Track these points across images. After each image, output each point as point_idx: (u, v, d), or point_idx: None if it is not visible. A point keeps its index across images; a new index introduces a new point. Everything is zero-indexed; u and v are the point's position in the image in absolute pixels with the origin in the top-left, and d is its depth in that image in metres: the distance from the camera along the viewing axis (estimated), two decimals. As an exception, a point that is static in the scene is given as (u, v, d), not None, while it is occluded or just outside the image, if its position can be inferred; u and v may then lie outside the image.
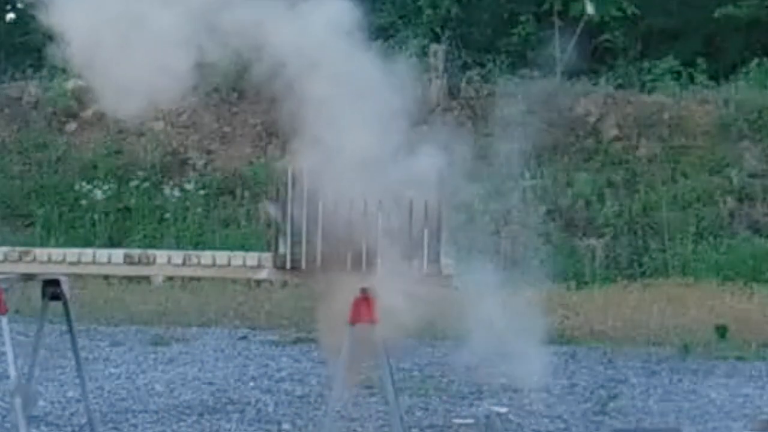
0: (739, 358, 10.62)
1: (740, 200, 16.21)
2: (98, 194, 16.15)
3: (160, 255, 6.39)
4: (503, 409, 8.54)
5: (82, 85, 18.35)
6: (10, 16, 24.10)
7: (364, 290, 6.14)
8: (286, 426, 7.94)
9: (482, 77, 18.15)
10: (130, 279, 12.00)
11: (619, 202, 16.08)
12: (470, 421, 8.20)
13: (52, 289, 6.59)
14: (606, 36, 20.31)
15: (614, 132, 17.33)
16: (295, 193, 6.11)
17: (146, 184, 16.58)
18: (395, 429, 6.46)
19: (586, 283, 14.37)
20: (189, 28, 5.90)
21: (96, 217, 15.92)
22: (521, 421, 8.22)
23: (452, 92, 17.76)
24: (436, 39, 19.11)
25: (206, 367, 9.93)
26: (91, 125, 17.77)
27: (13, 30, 23.21)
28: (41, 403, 8.38)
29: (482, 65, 18.61)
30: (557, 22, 19.72)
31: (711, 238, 15.43)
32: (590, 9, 18.32)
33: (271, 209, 6.19)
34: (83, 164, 16.98)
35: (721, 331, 11.32)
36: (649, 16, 20.15)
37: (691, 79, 18.31)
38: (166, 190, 16.47)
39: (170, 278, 12.16)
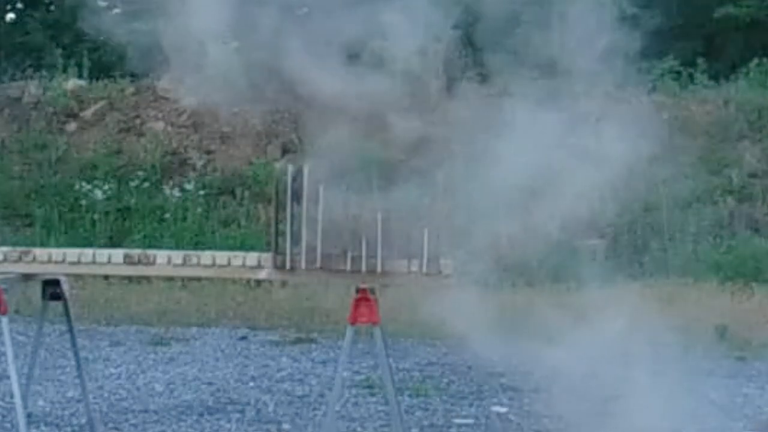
0: (739, 358, 10.62)
1: (740, 200, 16.20)
2: (98, 194, 16.14)
3: (160, 255, 6.39)
4: (503, 409, 8.54)
5: (82, 85, 18.40)
6: (10, 16, 24.11)
7: (364, 290, 6.14)
8: (286, 426, 7.94)
9: (483, 77, 18.13)
10: (130, 279, 12.00)
11: (620, 202, 16.06)
12: (470, 421, 8.20)
13: (52, 289, 6.59)
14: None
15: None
16: (295, 192, 6.12)
17: (146, 184, 16.57)
18: (395, 429, 6.46)
19: (586, 283, 14.34)
20: None
21: (96, 217, 15.91)
22: (521, 421, 8.22)
23: (452, 92, 17.74)
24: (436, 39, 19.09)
25: (206, 367, 9.93)
26: (91, 125, 17.77)
27: (13, 30, 23.23)
28: (41, 403, 8.38)
29: (482, 65, 18.60)
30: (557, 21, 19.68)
31: (711, 238, 15.41)
32: None
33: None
34: (83, 164, 16.97)
35: (721, 331, 11.31)
36: (649, 16, 20.15)
37: (691, 79, 18.31)
38: (166, 190, 16.47)
39: (170, 278, 12.17)
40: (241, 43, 6.44)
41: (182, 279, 12.51)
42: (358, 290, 6.14)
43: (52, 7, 24.12)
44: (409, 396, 8.78)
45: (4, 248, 6.44)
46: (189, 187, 16.45)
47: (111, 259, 6.40)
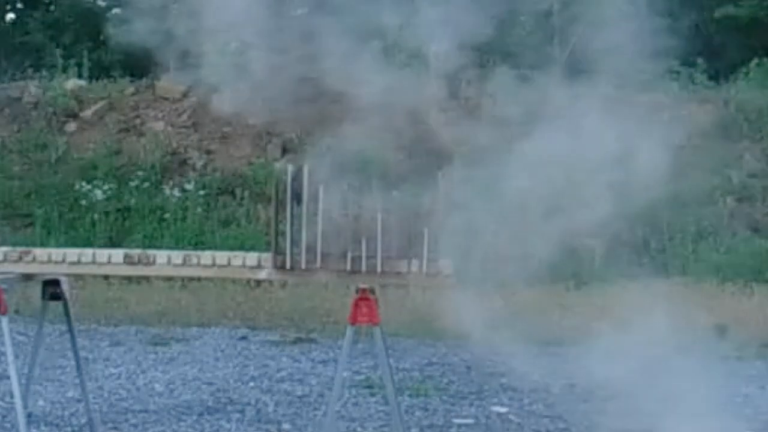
0: (739, 358, 10.62)
1: (740, 200, 16.20)
2: (98, 194, 16.15)
3: (160, 255, 6.39)
4: (503, 409, 8.55)
5: (82, 85, 18.40)
6: (10, 16, 24.11)
7: (364, 290, 6.15)
8: (286, 426, 7.94)
9: (482, 77, 18.13)
10: (130, 279, 12.01)
11: (619, 202, 16.04)
12: (470, 421, 8.20)
13: (52, 289, 6.59)
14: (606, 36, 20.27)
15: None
16: (295, 192, 6.12)
17: (146, 184, 16.57)
18: (395, 429, 6.46)
19: (585, 283, 14.36)
20: None
21: (96, 217, 15.92)
22: (521, 421, 8.23)
23: (452, 93, 17.74)
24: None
25: (206, 367, 9.93)
26: (91, 125, 17.77)
27: (13, 30, 23.23)
28: (41, 403, 8.38)
29: (482, 65, 18.58)
30: (557, 21, 19.70)
31: (711, 238, 15.41)
32: None
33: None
34: (83, 164, 16.97)
35: (721, 331, 11.31)
36: (649, 15, 20.13)
37: (691, 79, 18.30)
38: (166, 190, 16.48)
39: (170, 278, 12.17)
40: (273, 45, 6.46)
41: (182, 279, 12.51)
42: (358, 290, 6.15)
43: (52, 7, 24.11)
44: (409, 396, 8.78)
45: (4, 248, 6.44)
46: (189, 187, 16.46)
47: (111, 259, 6.40)
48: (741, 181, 16.37)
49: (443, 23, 6.69)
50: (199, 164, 17.13)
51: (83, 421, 7.65)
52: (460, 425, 8.07)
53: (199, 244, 14.82)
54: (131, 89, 18.33)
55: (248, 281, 12.32)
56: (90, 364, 9.62)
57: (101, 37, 22.50)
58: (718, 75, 18.39)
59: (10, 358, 6.30)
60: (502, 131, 6.59)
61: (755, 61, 18.33)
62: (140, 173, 16.71)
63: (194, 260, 6.33)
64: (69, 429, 7.78)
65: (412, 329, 11.25)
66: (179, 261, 6.34)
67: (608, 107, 6.62)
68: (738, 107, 17.28)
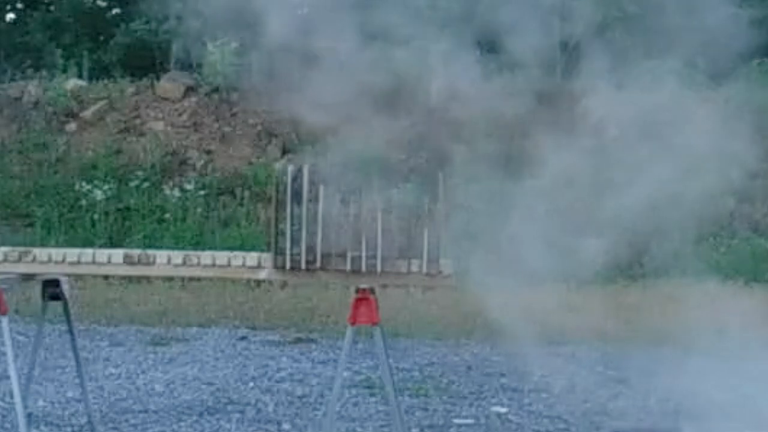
0: (737, 358, 10.61)
1: (740, 200, 16.19)
2: (98, 194, 16.14)
3: (160, 255, 6.40)
4: (503, 409, 8.55)
5: (82, 85, 18.40)
6: (10, 16, 24.11)
7: (364, 290, 6.15)
8: (286, 426, 7.94)
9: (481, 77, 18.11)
10: (130, 279, 12.00)
11: (620, 202, 16.04)
12: (470, 421, 8.20)
13: (52, 289, 6.60)
14: (606, 35, 20.28)
15: (614, 132, 17.29)
16: (295, 192, 6.12)
17: (146, 184, 16.57)
18: (395, 429, 6.46)
19: (586, 283, 14.35)
20: None
21: (96, 217, 15.92)
22: (521, 421, 8.23)
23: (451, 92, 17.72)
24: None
25: (206, 367, 9.93)
26: (91, 125, 17.77)
27: (13, 30, 23.23)
28: (41, 403, 8.39)
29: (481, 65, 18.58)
30: (557, 20, 19.69)
31: (711, 238, 15.41)
32: None
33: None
34: (83, 164, 16.97)
35: (721, 331, 11.30)
36: (650, 15, 20.14)
37: (691, 79, 18.27)
38: (166, 190, 16.48)
39: (170, 278, 12.17)
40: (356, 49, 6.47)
41: (182, 279, 12.51)
42: (358, 290, 6.15)
43: (52, 7, 24.12)
44: (409, 396, 8.78)
45: (4, 248, 6.44)
46: (189, 187, 16.46)
47: (111, 259, 6.40)
48: (741, 181, 16.36)
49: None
50: (199, 164, 17.13)
51: (83, 421, 7.66)
52: (460, 425, 8.07)
53: (199, 245, 14.81)
54: (131, 89, 18.34)
55: (248, 281, 12.32)
56: (90, 364, 9.62)
57: (101, 37, 22.53)
58: (718, 75, 18.37)
59: (10, 358, 6.30)
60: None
61: (755, 61, 18.32)
62: (140, 173, 16.72)
63: (194, 260, 6.33)
64: (69, 429, 7.78)
65: (412, 329, 11.25)
66: (179, 261, 6.35)
67: (611, 107, 6.64)
68: (738, 107, 17.27)
